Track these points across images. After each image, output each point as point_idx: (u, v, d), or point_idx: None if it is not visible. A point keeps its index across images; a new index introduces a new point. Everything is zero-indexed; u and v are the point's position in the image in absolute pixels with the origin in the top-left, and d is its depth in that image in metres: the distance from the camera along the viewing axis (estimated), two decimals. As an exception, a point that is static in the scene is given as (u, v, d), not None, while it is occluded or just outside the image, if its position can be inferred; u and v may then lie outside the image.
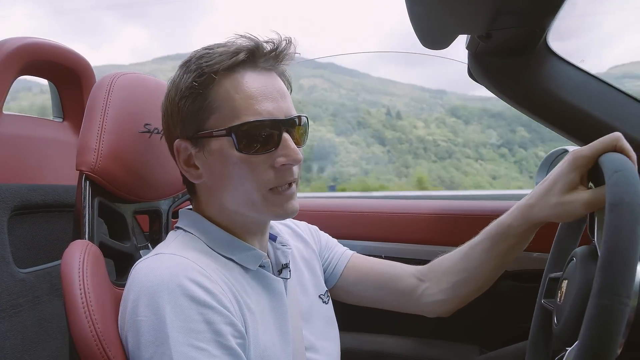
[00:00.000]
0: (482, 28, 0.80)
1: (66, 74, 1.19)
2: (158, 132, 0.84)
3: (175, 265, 0.65)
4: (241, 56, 0.69)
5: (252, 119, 0.68)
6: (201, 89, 0.68)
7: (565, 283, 0.68)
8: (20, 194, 1.01)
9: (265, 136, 0.68)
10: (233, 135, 0.68)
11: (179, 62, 0.73)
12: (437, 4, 0.73)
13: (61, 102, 1.25)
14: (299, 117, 0.73)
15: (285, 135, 0.70)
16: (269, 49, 0.71)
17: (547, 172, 1.17)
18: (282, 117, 0.70)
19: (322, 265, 0.95)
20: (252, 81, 0.69)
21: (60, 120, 1.25)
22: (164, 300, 0.61)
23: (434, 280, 0.91)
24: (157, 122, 0.80)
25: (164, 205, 0.95)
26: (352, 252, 0.98)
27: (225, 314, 0.63)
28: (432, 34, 0.83)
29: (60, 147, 1.17)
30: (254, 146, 0.68)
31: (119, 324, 0.68)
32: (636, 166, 0.59)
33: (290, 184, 0.72)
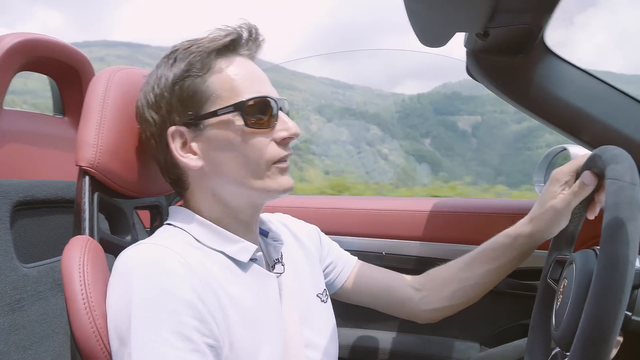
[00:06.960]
0: (480, 26, 0.80)
1: (66, 70, 1.20)
2: None
3: (153, 253, 0.65)
4: (231, 41, 0.72)
5: (255, 95, 0.71)
6: (199, 73, 0.71)
7: (563, 286, 0.68)
8: (23, 190, 1.02)
9: (268, 112, 0.72)
10: (241, 111, 0.70)
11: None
12: (435, 2, 0.73)
13: (61, 98, 1.25)
14: (285, 100, 0.77)
15: (282, 112, 0.75)
16: (247, 35, 0.75)
17: (547, 170, 1.17)
18: (275, 97, 0.74)
19: (325, 268, 0.96)
20: (243, 65, 0.74)
21: (61, 116, 1.26)
22: (133, 287, 0.62)
23: (433, 289, 0.95)
24: None
25: (164, 200, 0.96)
26: (355, 258, 1.01)
27: (195, 307, 0.61)
28: (430, 32, 0.83)
29: (61, 143, 1.18)
30: (260, 120, 0.71)
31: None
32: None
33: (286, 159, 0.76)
